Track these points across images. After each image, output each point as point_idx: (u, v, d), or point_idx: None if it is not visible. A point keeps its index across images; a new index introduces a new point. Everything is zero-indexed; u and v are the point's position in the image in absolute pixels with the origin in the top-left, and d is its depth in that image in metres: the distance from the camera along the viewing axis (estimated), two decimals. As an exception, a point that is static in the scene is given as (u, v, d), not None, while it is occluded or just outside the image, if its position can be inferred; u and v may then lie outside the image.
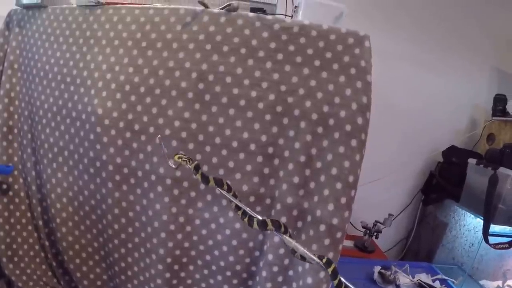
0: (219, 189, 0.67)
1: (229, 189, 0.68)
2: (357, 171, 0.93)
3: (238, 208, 0.66)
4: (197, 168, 0.69)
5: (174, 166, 0.73)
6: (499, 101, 1.89)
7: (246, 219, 0.63)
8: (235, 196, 0.68)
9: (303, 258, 0.61)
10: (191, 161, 0.70)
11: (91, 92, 1.11)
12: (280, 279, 1.02)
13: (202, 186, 1.04)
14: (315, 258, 0.60)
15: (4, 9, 1.38)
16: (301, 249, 0.61)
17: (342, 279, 0.57)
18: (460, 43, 2.04)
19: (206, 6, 1.04)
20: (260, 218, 0.62)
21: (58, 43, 1.22)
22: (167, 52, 1.04)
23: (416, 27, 1.99)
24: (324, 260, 0.59)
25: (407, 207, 2.14)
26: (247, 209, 0.65)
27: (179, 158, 0.70)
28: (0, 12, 1.40)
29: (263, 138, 0.99)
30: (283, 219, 0.99)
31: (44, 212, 1.34)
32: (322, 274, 0.92)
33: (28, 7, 1.30)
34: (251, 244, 1.07)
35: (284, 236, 0.62)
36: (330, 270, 0.58)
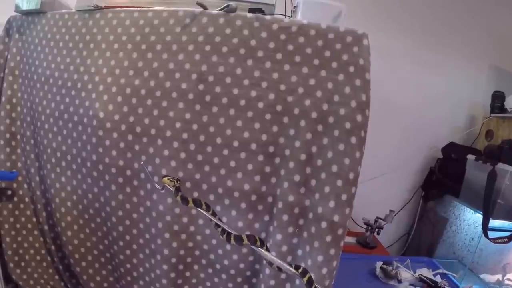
0: (199, 209, 0.73)
1: (207, 208, 0.73)
2: (357, 168, 0.93)
3: (217, 225, 0.71)
4: (178, 190, 0.75)
5: (159, 188, 0.78)
6: (497, 98, 1.91)
7: (224, 236, 0.69)
8: (214, 214, 0.73)
9: (279, 269, 0.65)
10: (178, 181, 0.76)
11: (92, 96, 1.12)
12: (283, 276, 1.03)
13: (205, 186, 1.05)
14: (291, 268, 0.65)
15: (3, 17, 1.38)
16: (277, 261, 0.66)
17: (318, 286, 0.62)
18: (459, 41, 2.05)
19: (204, 7, 1.04)
20: (237, 234, 0.68)
21: (58, 48, 1.22)
22: (166, 54, 1.05)
23: (415, 25, 2.00)
24: (300, 270, 0.63)
25: (408, 203, 2.15)
26: (225, 226, 0.70)
27: (168, 179, 0.76)
28: (0, 19, 1.41)
29: (264, 137, 1.00)
30: (285, 217, 1.00)
31: (49, 216, 1.35)
32: (324, 271, 0.93)
33: (27, 13, 1.31)
34: None
35: (260, 249, 0.67)
36: (305, 279, 0.63)
